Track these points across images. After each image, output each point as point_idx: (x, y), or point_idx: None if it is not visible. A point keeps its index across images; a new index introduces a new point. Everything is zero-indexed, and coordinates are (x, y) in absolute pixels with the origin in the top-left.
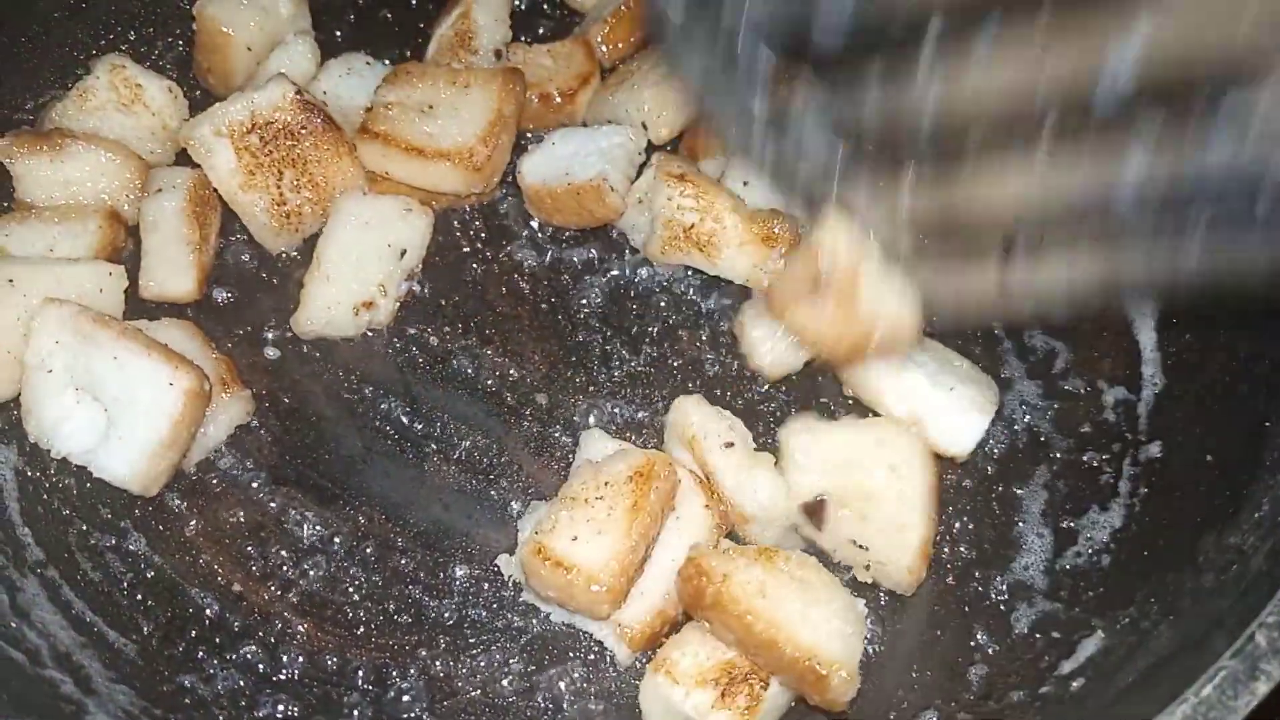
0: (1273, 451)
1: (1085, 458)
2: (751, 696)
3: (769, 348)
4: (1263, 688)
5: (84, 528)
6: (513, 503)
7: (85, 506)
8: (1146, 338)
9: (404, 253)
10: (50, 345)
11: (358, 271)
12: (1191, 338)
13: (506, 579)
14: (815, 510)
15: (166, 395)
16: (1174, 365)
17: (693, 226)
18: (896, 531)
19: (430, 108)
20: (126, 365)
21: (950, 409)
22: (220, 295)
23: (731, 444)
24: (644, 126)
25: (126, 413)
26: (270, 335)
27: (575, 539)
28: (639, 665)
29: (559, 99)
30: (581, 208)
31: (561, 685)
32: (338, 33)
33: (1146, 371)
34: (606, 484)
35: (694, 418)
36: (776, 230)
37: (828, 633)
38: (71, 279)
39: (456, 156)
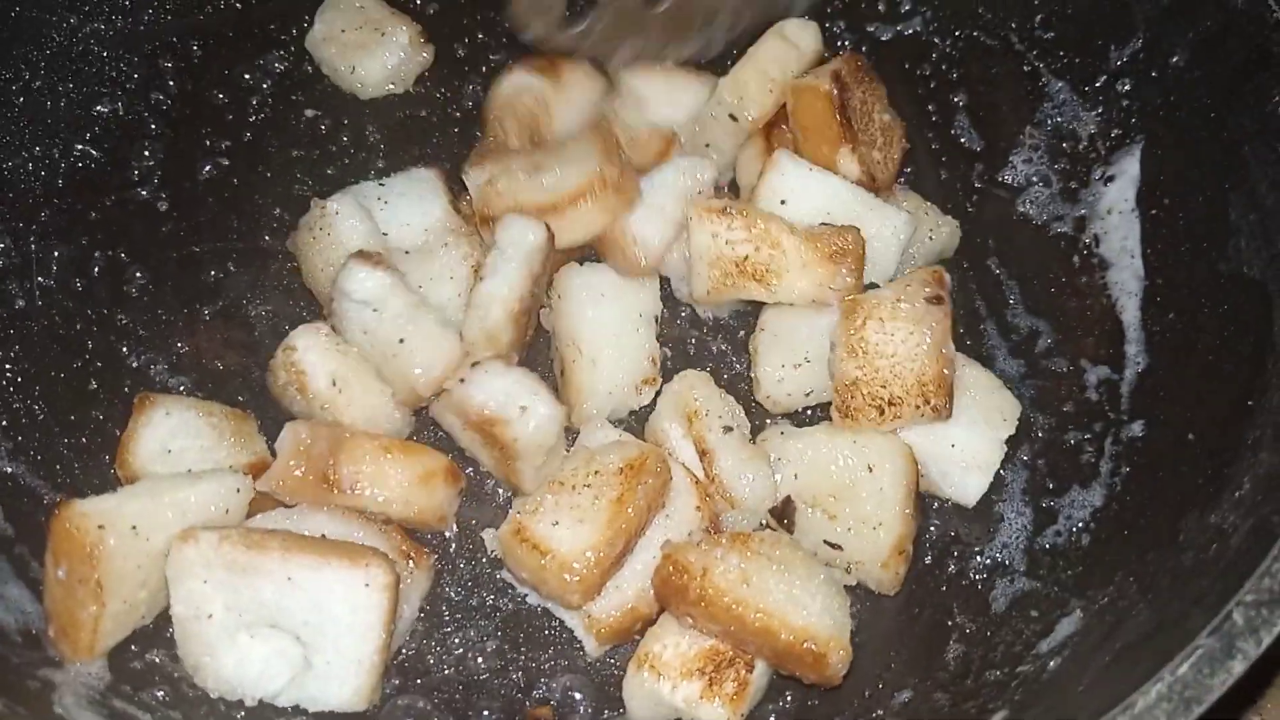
0: (1255, 431)
1: (1067, 437)
2: (739, 681)
3: (779, 380)
4: (1239, 666)
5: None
6: (489, 480)
7: (56, 483)
8: (1130, 316)
9: (646, 318)
10: (200, 589)
11: (619, 347)
12: (1175, 317)
13: (489, 552)
14: (782, 512)
15: (367, 599)
16: (1158, 344)
17: (746, 258)
18: (871, 530)
19: (535, 167)
20: (306, 583)
21: (953, 464)
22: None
23: (731, 429)
24: (731, 118)
25: (326, 633)
26: None
27: (556, 524)
28: (616, 653)
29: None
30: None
31: (535, 665)
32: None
33: (1130, 351)
34: (596, 473)
35: (699, 392)
36: (843, 245)
37: (818, 611)
38: (196, 505)
39: (594, 187)
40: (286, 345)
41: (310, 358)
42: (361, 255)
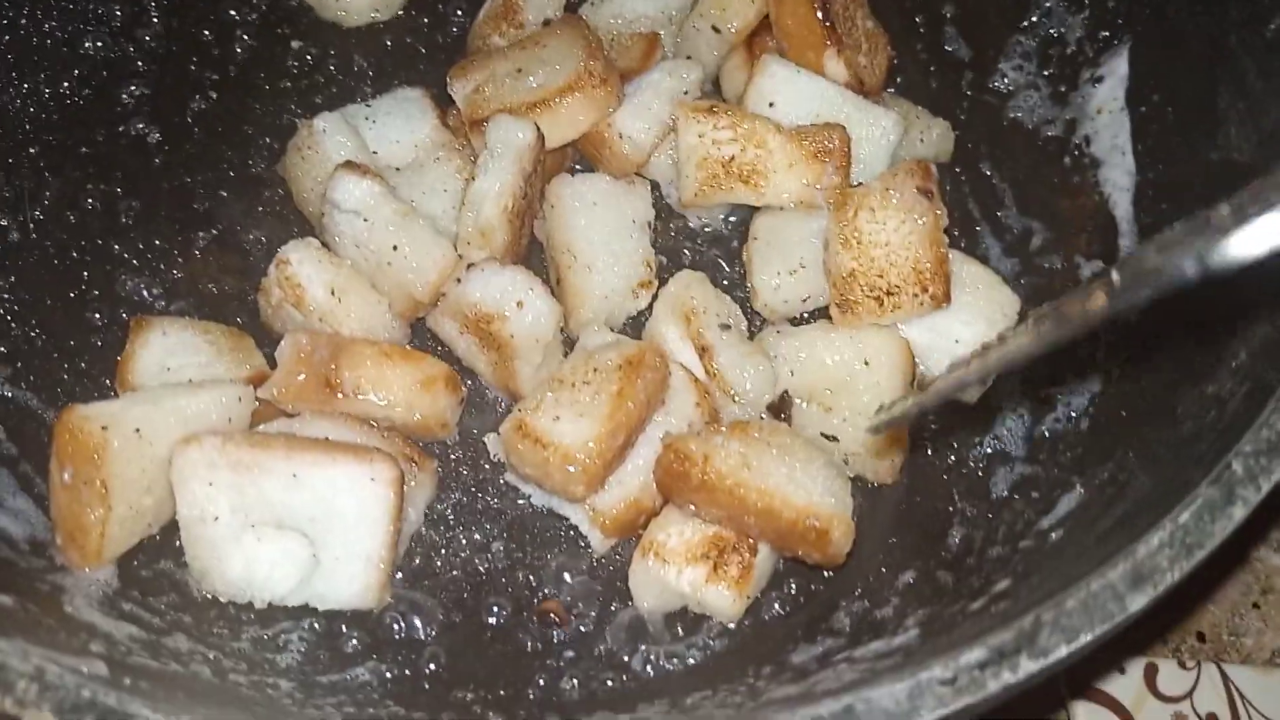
0: (1251, 304)
1: None
2: (743, 565)
3: (775, 288)
4: (1239, 512)
5: None
6: (489, 391)
7: (58, 406)
8: (1123, 211)
9: (640, 224)
10: (205, 491)
11: (613, 254)
12: (1168, 208)
13: (492, 457)
14: (779, 407)
15: (373, 493)
16: (1151, 235)
17: (733, 159)
18: (867, 421)
19: (519, 71)
20: (311, 480)
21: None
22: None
23: (729, 325)
24: (714, 30)
25: (333, 530)
26: None
27: (557, 419)
28: (621, 549)
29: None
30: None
31: (542, 563)
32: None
33: (1124, 244)
34: (595, 370)
35: (696, 292)
36: (828, 144)
37: (819, 491)
38: (198, 413)
39: (579, 82)
40: (280, 260)
41: (305, 270)
42: (349, 165)
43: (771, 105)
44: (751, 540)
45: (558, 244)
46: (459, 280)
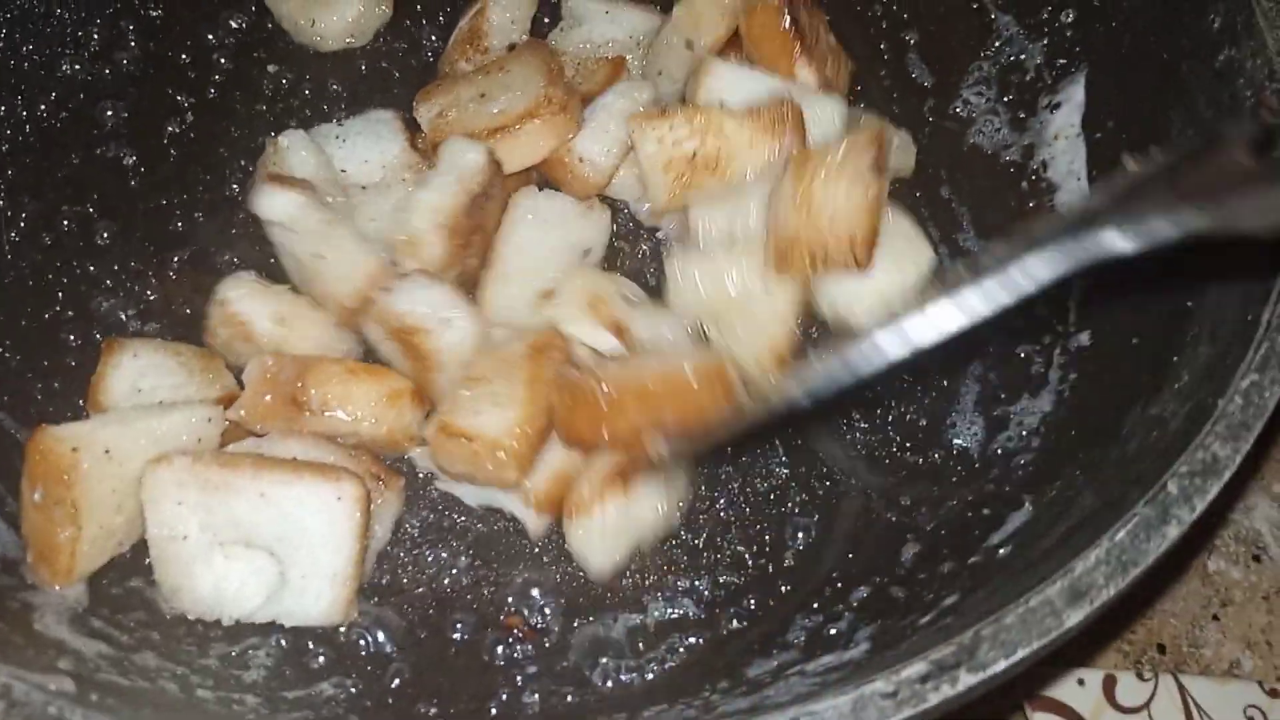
0: (1194, 328)
1: (1017, 350)
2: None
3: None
4: (1174, 531)
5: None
6: None
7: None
8: None
9: (587, 252)
10: (174, 510)
11: (538, 273)
12: None
13: (419, 472)
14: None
15: (339, 511)
16: None
17: (695, 153)
18: (758, 337)
19: (482, 96)
20: (278, 499)
21: (859, 301)
22: None
23: (632, 299)
24: (688, 45)
25: (300, 548)
26: None
27: (478, 414)
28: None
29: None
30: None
31: (507, 580)
32: None
33: None
34: (504, 362)
35: (589, 280)
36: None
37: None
38: (168, 433)
39: (539, 108)
40: (217, 301)
41: (246, 305)
42: (271, 178)
43: (721, 104)
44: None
45: (495, 245)
46: (388, 290)
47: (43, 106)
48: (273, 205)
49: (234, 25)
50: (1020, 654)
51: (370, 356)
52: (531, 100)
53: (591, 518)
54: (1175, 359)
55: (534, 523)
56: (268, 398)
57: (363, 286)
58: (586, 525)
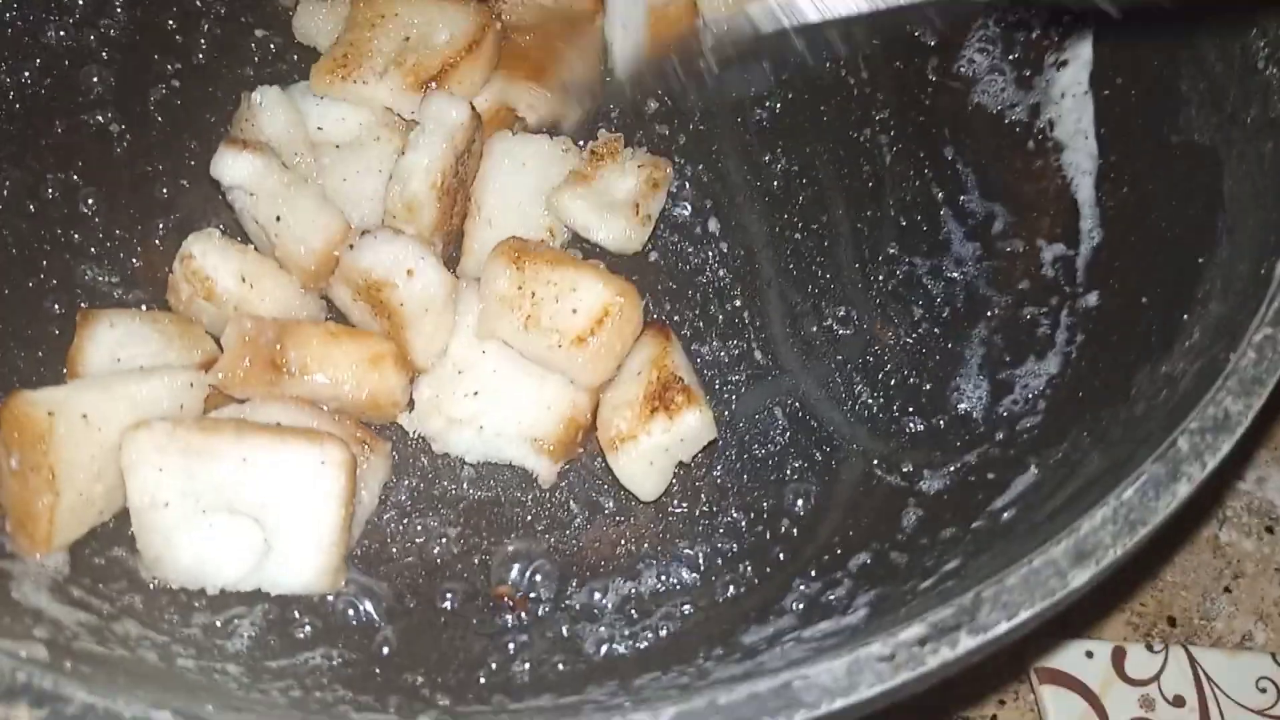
0: (1205, 285)
1: (1023, 312)
2: (682, 390)
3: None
4: (1184, 489)
5: None
6: None
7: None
8: (1085, 195)
9: None
10: (154, 477)
11: (521, 215)
12: (1129, 190)
13: (411, 433)
14: None
15: (324, 476)
16: (1112, 218)
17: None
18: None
19: (406, 40)
20: (261, 463)
21: None
22: None
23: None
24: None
25: (284, 513)
26: None
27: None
28: (570, 535)
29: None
30: None
31: (497, 548)
32: None
33: (1085, 226)
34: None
35: (513, 240)
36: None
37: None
38: (148, 399)
39: (467, 44)
40: (183, 255)
41: (211, 261)
42: (229, 141)
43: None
44: (663, 365)
45: (474, 193)
46: (351, 247)
47: (26, 73)
48: (230, 169)
49: None
50: (1023, 615)
51: (338, 322)
52: (463, 30)
53: (638, 445)
54: (1185, 317)
55: (546, 469)
56: (246, 360)
57: (323, 249)
58: (635, 454)
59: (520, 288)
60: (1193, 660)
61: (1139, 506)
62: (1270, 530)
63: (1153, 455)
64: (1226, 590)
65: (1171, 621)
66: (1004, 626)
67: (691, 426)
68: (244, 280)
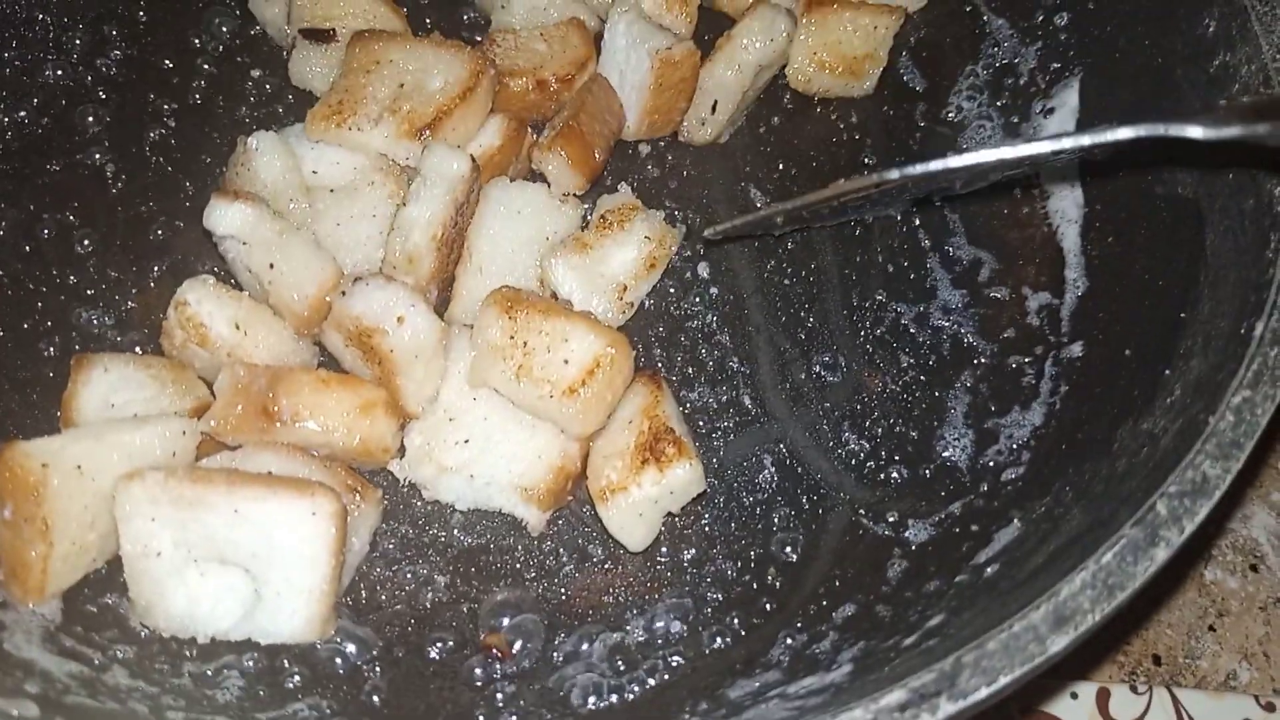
0: (1187, 341)
1: (1009, 361)
2: (673, 441)
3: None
4: (1162, 554)
5: None
6: None
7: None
8: (1070, 243)
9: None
10: (148, 526)
11: (513, 264)
12: (1114, 241)
13: (401, 481)
14: None
15: (314, 527)
16: (1097, 268)
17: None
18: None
19: (401, 86)
20: (252, 514)
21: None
22: None
23: (555, 294)
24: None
25: (274, 565)
26: None
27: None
28: (558, 584)
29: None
30: None
31: (487, 597)
32: None
33: (1070, 275)
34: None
35: (505, 290)
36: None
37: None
38: (141, 448)
39: (462, 90)
40: (177, 302)
41: (206, 308)
42: (220, 192)
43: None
44: (655, 415)
45: (468, 238)
46: (343, 293)
47: (23, 112)
48: (223, 219)
49: (218, 31)
50: (1002, 681)
51: (331, 368)
52: (456, 77)
53: (628, 496)
54: (1168, 372)
55: (535, 518)
56: (239, 408)
57: (316, 295)
58: (625, 504)
59: (512, 337)
60: (1176, 702)
61: (1117, 571)
62: (1254, 569)
63: (1132, 519)
64: (1211, 629)
65: (1156, 660)
66: (984, 692)
67: (681, 479)
68: (238, 327)
